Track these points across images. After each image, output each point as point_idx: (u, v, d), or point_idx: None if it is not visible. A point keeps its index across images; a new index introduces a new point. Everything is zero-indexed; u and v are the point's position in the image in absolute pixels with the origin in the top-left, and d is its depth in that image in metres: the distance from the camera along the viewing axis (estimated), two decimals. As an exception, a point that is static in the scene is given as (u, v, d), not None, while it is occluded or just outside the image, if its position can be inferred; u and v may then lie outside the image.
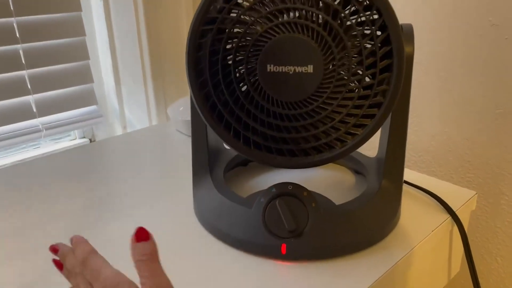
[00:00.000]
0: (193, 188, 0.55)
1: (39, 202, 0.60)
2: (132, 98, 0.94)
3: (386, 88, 0.41)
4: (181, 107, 0.79)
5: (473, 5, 0.64)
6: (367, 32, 0.40)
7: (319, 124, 0.44)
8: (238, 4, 0.42)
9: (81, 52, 0.87)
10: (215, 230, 0.50)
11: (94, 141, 0.97)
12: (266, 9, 0.41)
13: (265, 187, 0.48)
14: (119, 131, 0.97)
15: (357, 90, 0.42)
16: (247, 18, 0.42)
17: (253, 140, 0.45)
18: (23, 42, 0.79)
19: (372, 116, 0.43)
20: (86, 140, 0.96)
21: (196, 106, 0.45)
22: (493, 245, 0.71)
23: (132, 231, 0.30)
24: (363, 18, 0.40)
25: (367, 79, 0.42)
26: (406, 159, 0.51)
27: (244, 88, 0.44)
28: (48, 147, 0.92)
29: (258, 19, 0.41)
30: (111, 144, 0.82)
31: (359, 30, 0.40)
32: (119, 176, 0.67)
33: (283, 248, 0.45)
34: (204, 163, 0.55)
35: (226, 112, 0.45)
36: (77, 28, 0.85)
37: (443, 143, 0.73)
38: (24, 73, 0.81)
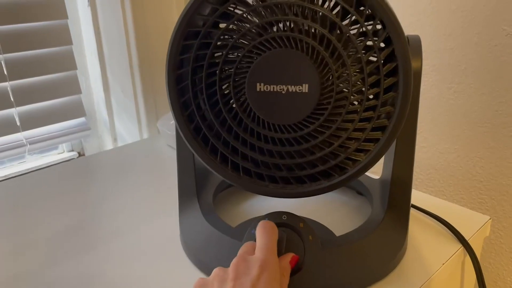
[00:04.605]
0: (179, 214, 0.50)
1: (23, 223, 0.56)
2: (122, 109, 0.89)
3: (391, 110, 0.37)
4: (172, 120, 0.75)
5: (486, 13, 0.59)
6: (369, 44, 0.36)
7: (316, 149, 0.39)
8: (225, 15, 0.38)
9: (68, 62, 0.83)
10: (201, 263, 0.45)
11: (83, 154, 0.92)
12: (256, 21, 0.37)
13: (259, 212, 0.43)
14: (109, 143, 0.92)
15: (358, 111, 0.37)
16: (235, 30, 0.38)
17: (242, 166, 0.41)
18: (5, 52, 0.74)
19: (375, 140, 0.38)
20: (74, 153, 0.91)
21: (178, 128, 0.40)
22: (508, 272, 0.66)
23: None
24: (364, 29, 0.35)
25: (370, 97, 0.37)
26: (413, 177, 0.46)
27: (231, 109, 0.39)
28: (34, 161, 0.87)
29: (246, 32, 0.37)
30: (99, 160, 0.78)
31: (360, 43, 0.35)
32: (106, 196, 0.63)
33: (277, 288, 0.40)
34: (191, 187, 0.50)
35: (212, 135, 0.40)
36: (63, 37, 0.81)
37: (452, 161, 0.67)
38: (7, 84, 0.76)
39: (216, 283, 0.34)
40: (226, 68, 0.38)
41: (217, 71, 0.38)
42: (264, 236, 0.38)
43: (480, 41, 0.60)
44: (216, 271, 0.36)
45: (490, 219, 0.52)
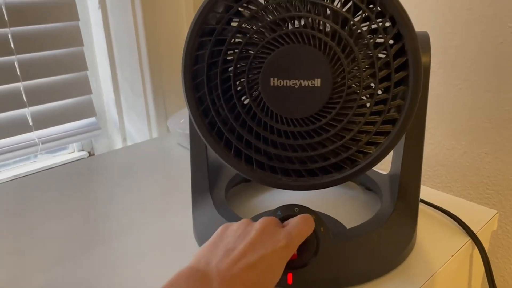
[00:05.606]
0: (192, 208, 0.52)
1: (35, 220, 0.57)
2: (131, 109, 0.90)
3: (401, 103, 0.38)
4: (182, 119, 0.76)
5: (491, 10, 0.60)
6: (380, 41, 0.37)
7: (328, 142, 0.40)
8: (238, 13, 0.39)
9: (79, 63, 0.84)
10: (215, 256, 0.46)
11: (93, 154, 0.94)
12: (269, 18, 0.38)
13: (270, 206, 0.44)
14: (119, 143, 0.94)
15: (369, 105, 0.38)
16: (248, 27, 0.39)
17: (255, 159, 0.42)
18: (18, 53, 0.76)
19: (386, 133, 0.39)
20: (85, 153, 0.93)
21: (194, 123, 0.41)
22: (516, 266, 0.67)
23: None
24: (374, 26, 0.37)
25: (380, 93, 0.38)
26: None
27: (245, 104, 0.41)
28: (45, 160, 0.89)
29: (260, 29, 0.38)
30: (110, 158, 0.79)
31: (371, 39, 0.37)
32: (117, 194, 0.64)
33: (289, 278, 0.41)
34: (204, 181, 0.52)
35: (226, 129, 0.41)
36: (74, 38, 0.82)
37: (459, 157, 0.68)
38: (20, 85, 0.78)
39: (242, 225, 0.36)
40: (240, 64, 0.39)
41: (231, 67, 0.39)
42: (303, 224, 0.39)
43: (486, 38, 0.61)
44: (244, 219, 0.38)
45: (497, 213, 0.53)
